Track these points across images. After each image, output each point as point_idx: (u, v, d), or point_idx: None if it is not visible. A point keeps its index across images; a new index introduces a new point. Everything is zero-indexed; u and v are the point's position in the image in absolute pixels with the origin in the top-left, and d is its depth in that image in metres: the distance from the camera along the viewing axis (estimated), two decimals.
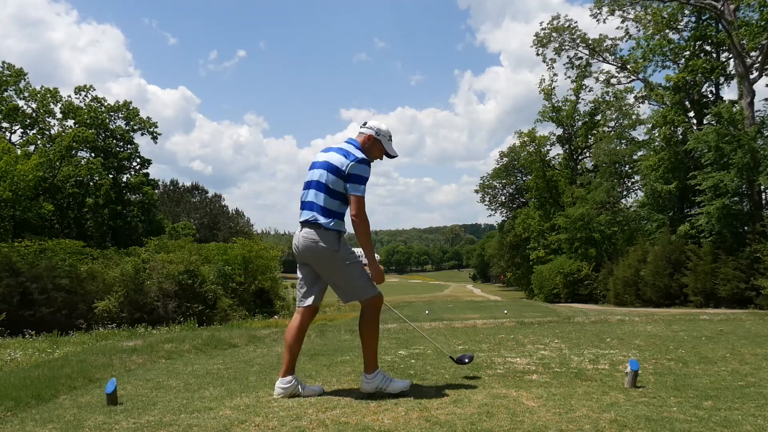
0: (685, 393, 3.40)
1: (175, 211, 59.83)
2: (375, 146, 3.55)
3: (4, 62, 37.46)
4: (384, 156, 3.63)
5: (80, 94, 39.87)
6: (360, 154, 3.40)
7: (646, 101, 30.21)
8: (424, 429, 2.73)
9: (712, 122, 23.42)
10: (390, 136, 3.59)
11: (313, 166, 3.51)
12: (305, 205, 3.48)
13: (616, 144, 34.98)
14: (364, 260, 3.54)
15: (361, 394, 3.47)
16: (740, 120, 20.70)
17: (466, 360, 3.86)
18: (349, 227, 3.52)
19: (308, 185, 3.49)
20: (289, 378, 3.46)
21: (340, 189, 3.38)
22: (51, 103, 38.40)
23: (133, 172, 43.23)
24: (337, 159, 3.40)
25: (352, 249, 3.53)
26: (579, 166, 41.73)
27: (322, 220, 3.39)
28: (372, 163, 3.53)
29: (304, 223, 3.45)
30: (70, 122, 38.67)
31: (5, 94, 36.88)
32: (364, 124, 3.60)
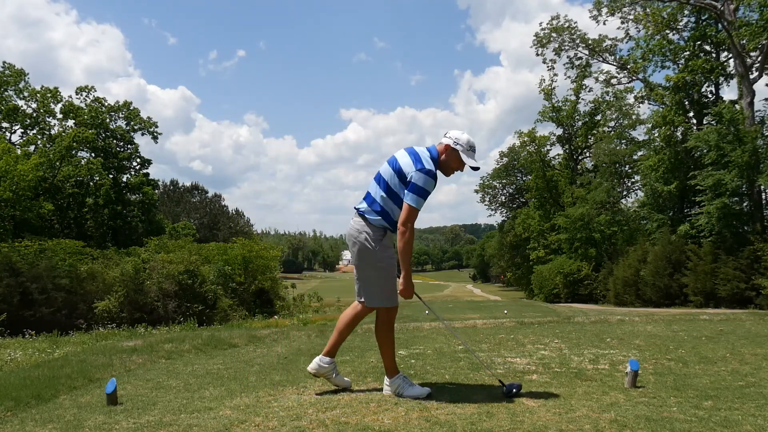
0: (685, 393, 3.40)
1: (175, 211, 59.86)
2: (452, 156, 3.38)
3: (5, 62, 37.56)
4: (464, 167, 3.43)
5: (81, 95, 39.95)
6: (428, 165, 3.27)
7: (646, 101, 30.21)
8: (424, 429, 2.73)
9: (712, 122, 23.44)
10: (471, 147, 3.38)
11: (388, 160, 3.44)
12: (366, 195, 3.47)
13: (616, 144, 34.97)
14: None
15: (361, 394, 3.48)
16: (741, 120, 20.70)
17: (514, 390, 3.37)
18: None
19: (375, 177, 3.46)
20: (328, 360, 3.57)
21: (398, 191, 3.31)
22: (51, 103, 38.46)
23: (133, 172, 43.26)
24: (405, 162, 3.31)
25: (394, 255, 3.42)
26: (579, 166, 41.73)
27: (370, 215, 3.37)
28: (454, 173, 3.45)
29: (357, 212, 3.45)
30: (71, 122, 38.73)
31: (5, 94, 36.92)
32: (446, 133, 3.43)
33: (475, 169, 3.43)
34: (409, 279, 3.31)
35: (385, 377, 3.50)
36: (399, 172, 3.30)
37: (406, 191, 3.24)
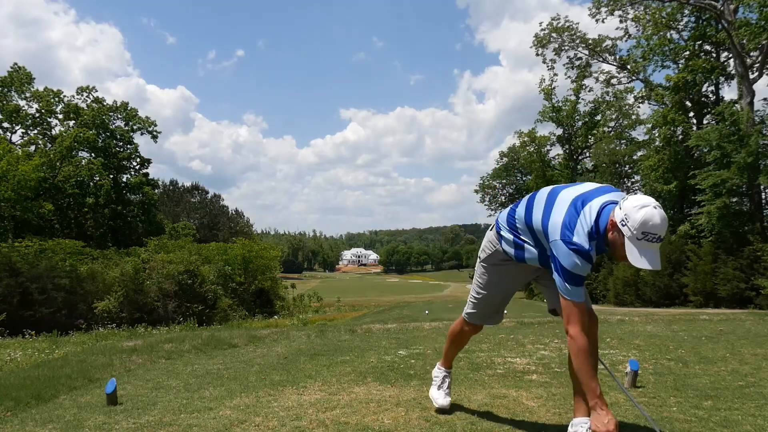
0: (685, 393, 3.40)
1: (174, 211, 59.86)
2: (617, 240, 2.26)
3: (16, 64, 37.82)
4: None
5: (82, 95, 40.02)
6: (578, 237, 2.30)
7: (646, 101, 30.24)
8: (424, 429, 2.73)
9: (713, 122, 23.47)
10: (645, 234, 2.17)
11: (549, 195, 2.53)
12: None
13: (616, 144, 34.98)
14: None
15: (361, 394, 3.47)
16: (742, 120, 20.72)
17: None
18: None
19: (534, 199, 2.61)
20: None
21: (527, 230, 2.57)
22: (54, 105, 38.58)
23: (133, 172, 43.29)
24: (556, 216, 2.40)
25: (499, 267, 2.79)
26: (579, 166, 41.74)
27: (501, 225, 2.73)
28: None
29: None
30: (71, 123, 38.80)
31: (8, 95, 37.07)
32: (626, 198, 2.28)
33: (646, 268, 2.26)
34: (600, 408, 2.27)
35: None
36: (543, 228, 2.45)
37: (551, 267, 2.41)
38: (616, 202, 2.30)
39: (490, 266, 2.82)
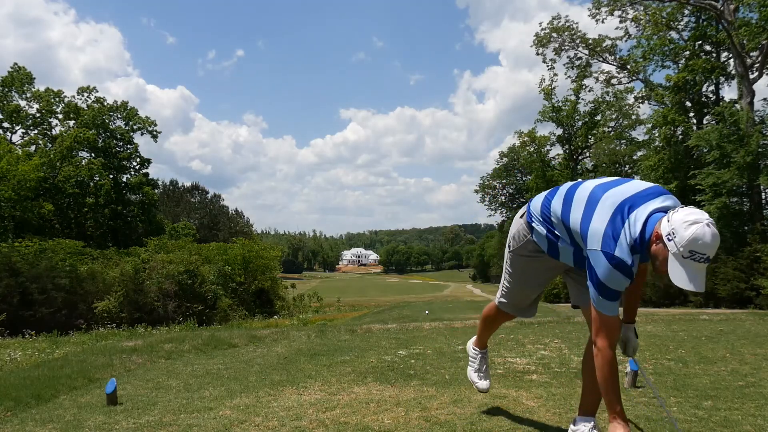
0: (685, 393, 3.40)
1: (174, 211, 59.87)
2: (661, 253, 2.07)
3: (15, 64, 37.78)
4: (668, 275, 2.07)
5: (83, 95, 40.04)
6: (619, 250, 2.11)
7: (646, 101, 30.24)
8: (424, 429, 2.73)
9: (713, 122, 23.47)
10: (692, 252, 1.99)
11: (590, 197, 2.30)
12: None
13: (615, 144, 34.96)
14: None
15: (361, 394, 3.47)
16: (742, 120, 20.72)
17: None
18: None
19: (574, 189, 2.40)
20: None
21: (563, 227, 2.37)
22: (54, 105, 38.60)
23: (132, 172, 43.30)
24: (597, 223, 2.19)
25: (529, 259, 2.61)
26: (579, 166, 41.74)
27: (533, 216, 2.53)
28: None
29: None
30: (71, 123, 38.84)
31: (9, 94, 37.11)
32: (675, 211, 2.07)
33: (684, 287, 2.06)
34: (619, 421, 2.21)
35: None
36: (583, 232, 2.24)
37: (587, 275, 2.23)
38: (665, 211, 2.11)
39: (521, 257, 2.63)
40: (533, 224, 2.51)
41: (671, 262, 2.04)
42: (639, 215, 2.14)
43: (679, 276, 2.02)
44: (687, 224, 2.00)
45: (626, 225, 2.14)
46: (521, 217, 2.63)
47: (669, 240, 2.02)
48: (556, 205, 2.40)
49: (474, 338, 3.13)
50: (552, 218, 2.42)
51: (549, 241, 2.46)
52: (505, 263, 2.76)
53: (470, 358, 3.09)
